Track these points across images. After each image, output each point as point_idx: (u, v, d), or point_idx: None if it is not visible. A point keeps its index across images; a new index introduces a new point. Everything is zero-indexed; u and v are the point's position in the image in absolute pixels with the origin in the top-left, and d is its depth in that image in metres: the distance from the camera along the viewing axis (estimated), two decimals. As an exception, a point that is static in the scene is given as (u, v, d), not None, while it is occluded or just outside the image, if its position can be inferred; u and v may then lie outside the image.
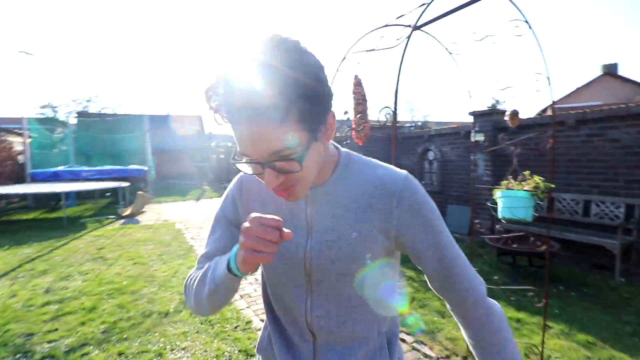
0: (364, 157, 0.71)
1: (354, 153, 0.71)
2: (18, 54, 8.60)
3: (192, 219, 7.82)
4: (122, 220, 7.61)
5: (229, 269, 0.58)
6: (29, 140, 9.98)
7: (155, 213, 8.60)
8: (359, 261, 0.65)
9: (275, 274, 0.71)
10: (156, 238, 5.93)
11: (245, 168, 0.57)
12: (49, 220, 7.82)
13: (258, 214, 0.53)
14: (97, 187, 8.23)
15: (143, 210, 8.83)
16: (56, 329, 2.82)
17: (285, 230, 0.53)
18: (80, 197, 9.89)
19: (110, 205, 9.69)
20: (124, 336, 2.71)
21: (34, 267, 4.40)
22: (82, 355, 2.47)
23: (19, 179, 10.77)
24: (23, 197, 9.22)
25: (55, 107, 17.65)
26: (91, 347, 2.56)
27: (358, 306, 0.69)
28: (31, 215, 8.38)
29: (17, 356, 2.45)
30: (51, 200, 9.42)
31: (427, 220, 0.65)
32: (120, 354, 2.48)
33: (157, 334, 2.75)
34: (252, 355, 2.46)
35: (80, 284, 3.84)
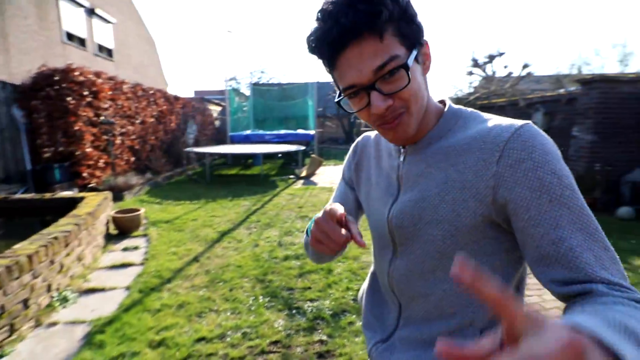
0: (479, 112, 0.62)
1: (468, 109, 0.63)
2: (226, 33, 10.01)
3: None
4: (302, 181, 8.15)
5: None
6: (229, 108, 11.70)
7: (326, 175, 8.98)
8: (445, 228, 0.57)
9: (372, 231, 0.73)
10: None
11: (349, 106, 0.58)
12: (248, 176, 9.06)
13: (334, 207, 0.55)
14: (281, 150, 9.03)
15: (316, 172, 9.35)
16: (310, 287, 2.90)
17: (354, 232, 0.54)
18: (264, 157, 11.22)
19: (285, 166, 10.67)
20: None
21: (259, 219, 4.94)
22: (349, 323, 2.40)
23: (218, 140, 12.96)
24: (224, 155, 10.98)
25: (238, 79, 20.87)
26: (353, 316, 2.49)
27: (444, 282, 0.59)
28: (233, 171, 9.93)
29: (293, 311, 2.56)
30: (244, 159, 10.96)
31: (543, 184, 0.50)
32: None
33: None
34: None
35: (302, 241, 4.03)
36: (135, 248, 3.82)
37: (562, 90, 7.63)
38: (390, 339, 0.69)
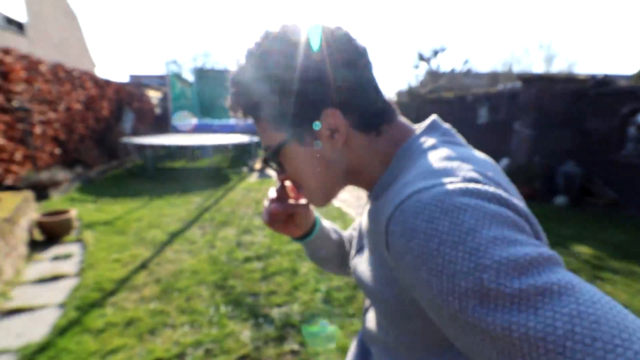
0: (424, 155, 0.45)
1: (433, 143, 0.47)
2: (165, 9, 9.02)
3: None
4: (257, 174, 7.83)
5: None
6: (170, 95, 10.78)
7: (282, 168, 8.74)
8: (384, 304, 0.47)
9: None
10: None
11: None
12: (196, 169, 8.46)
13: (271, 190, 0.62)
14: (232, 142, 8.56)
15: (270, 164, 9.05)
16: (275, 292, 2.72)
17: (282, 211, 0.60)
18: (214, 149, 10.58)
19: (237, 158, 10.19)
20: (350, 311, 2.46)
21: (213, 217, 4.59)
22: (320, 327, 2.28)
23: (160, 129, 11.96)
24: (167, 147, 10.15)
25: (179, 63, 19.34)
26: (324, 320, 2.37)
27: (399, 347, 0.50)
28: (179, 164, 9.22)
29: (259, 320, 2.37)
30: (190, 150, 10.24)
31: (432, 291, 0.33)
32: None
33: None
34: None
35: (263, 239, 3.82)
36: (68, 256, 3.29)
37: (500, 86, 8.20)
38: None
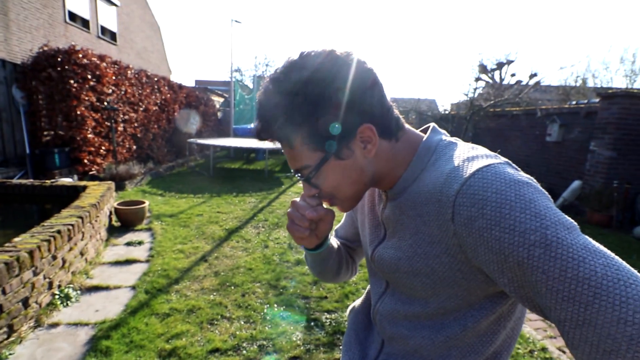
0: (454, 145, 0.54)
1: (449, 141, 0.56)
2: (231, 22, 9.74)
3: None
4: (307, 180, 7.98)
5: None
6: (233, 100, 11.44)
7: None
8: (422, 280, 0.54)
9: (366, 262, 0.73)
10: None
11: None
12: (251, 171, 8.87)
13: (299, 199, 0.62)
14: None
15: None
16: (326, 297, 2.75)
17: (318, 216, 0.60)
18: (269, 152, 11.01)
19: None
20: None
21: (266, 218, 4.77)
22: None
23: (220, 132, 12.72)
24: (226, 148, 10.76)
25: (242, 71, 20.57)
26: (375, 331, 2.34)
27: (425, 328, 0.57)
28: (236, 165, 9.72)
29: (311, 323, 2.41)
30: (246, 152, 10.76)
31: (502, 246, 0.41)
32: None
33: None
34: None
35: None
36: (140, 243, 3.63)
37: (574, 102, 7.54)
38: None
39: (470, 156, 0.49)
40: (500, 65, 14.28)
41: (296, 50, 0.54)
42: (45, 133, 5.55)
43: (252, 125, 11.61)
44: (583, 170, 5.68)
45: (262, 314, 2.49)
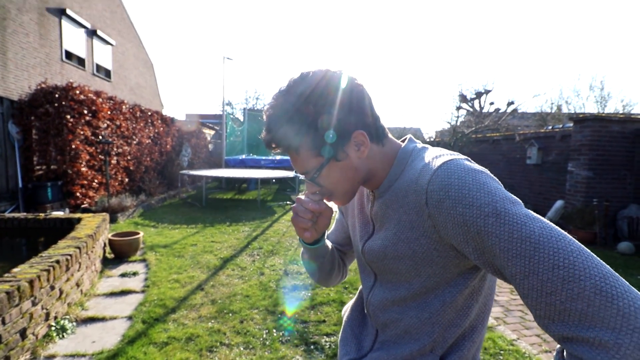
0: (424, 149, 0.68)
1: (422, 146, 0.69)
2: (222, 59, 10.18)
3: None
4: (300, 208, 8.06)
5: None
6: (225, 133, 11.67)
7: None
8: (407, 262, 0.65)
9: (356, 259, 0.84)
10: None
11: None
12: (244, 201, 8.91)
13: (303, 196, 0.72)
14: (277, 175, 8.98)
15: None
16: (324, 321, 2.78)
17: (319, 208, 0.71)
18: (261, 182, 11.11)
19: (280, 192, 10.59)
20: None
21: (260, 246, 4.80)
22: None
23: (211, 163, 12.84)
24: (218, 179, 10.84)
25: (233, 105, 21.08)
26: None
27: (413, 309, 0.67)
28: (228, 196, 9.76)
29: (310, 347, 2.43)
30: (238, 183, 10.84)
31: (465, 219, 0.53)
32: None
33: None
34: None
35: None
36: (134, 274, 3.62)
37: (550, 127, 7.98)
38: (362, 359, 0.77)
39: (438, 155, 0.61)
40: (479, 95, 15.03)
41: (296, 71, 0.65)
42: (38, 167, 5.58)
43: (243, 157, 11.79)
44: (564, 190, 5.94)
45: (261, 339, 2.50)
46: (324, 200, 0.72)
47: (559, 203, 5.96)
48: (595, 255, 0.48)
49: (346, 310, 0.90)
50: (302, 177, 0.71)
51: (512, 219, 0.50)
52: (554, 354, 0.51)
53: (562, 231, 0.50)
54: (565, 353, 0.48)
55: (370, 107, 0.66)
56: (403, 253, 0.64)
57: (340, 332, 0.86)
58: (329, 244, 0.89)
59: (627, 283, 0.46)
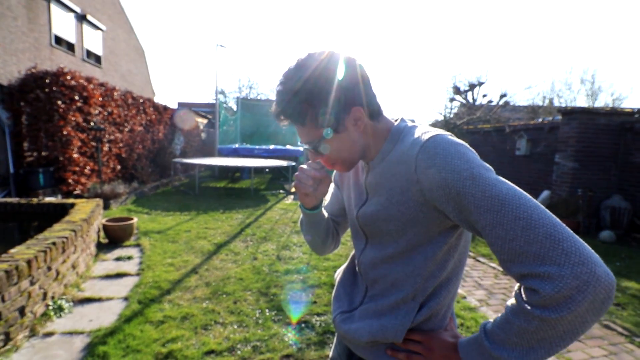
0: (415, 127, 0.75)
1: (410, 124, 0.77)
2: (215, 47, 10.07)
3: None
4: (292, 196, 8.14)
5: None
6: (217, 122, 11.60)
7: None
8: (396, 223, 0.72)
9: (350, 226, 0.92)
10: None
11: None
12: (237, 189, 8.95)
13: (306, 165, 0.82)
14: (271, 165, 9.01)
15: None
16: (315, 302, 2.88)
17: (321, 175, 0.81)
18: (254, 171, 11.12)
19: (274, 181, 10.63)
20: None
21: (254, 232, 4.88)
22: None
23: (204, 152, 12.80)
24: (211, 168, 10.84)
25: (226, 93, 20.88)
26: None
27: (400, 264, 0.75)
28: (221, 184, 9.78)
29: (302, 325, 2.53)
30: (231, 172, 10.85)
31: (447, 183, 0.62)
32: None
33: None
34: None
35: (301, 255, 4.01)
36: (129, 258, 3.67)
37: (540, 120, 8.12)
38: (353, 312, 0.85)
39: (426, 131, 0.70)
40: (472, 87, 15.13)
41: (304, 52, 0.73)
42: (29, 153, 5.54)
43: (236, 146, 11.77)
44: (550, 181, 6.10)
45: (254, 318, 2.59)
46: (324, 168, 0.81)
47: (545, 193, 6.12)
48: (548, 211, 0.57)
49: (339, 273, 0.98)
50: (306, 146, 0.77)
51: (484, 181, 0.60)
52: (513, 294, 0.61)
53: (523, 192, 0.59)
54: (522, 288, 0.58)
55: (368, 86, 0.73)
56: (393, 215, 0.72)
57: (334, 291, 0.95)
58: (325, 214, 0.97)
59: (571, 230, 0.55)
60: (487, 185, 0.59)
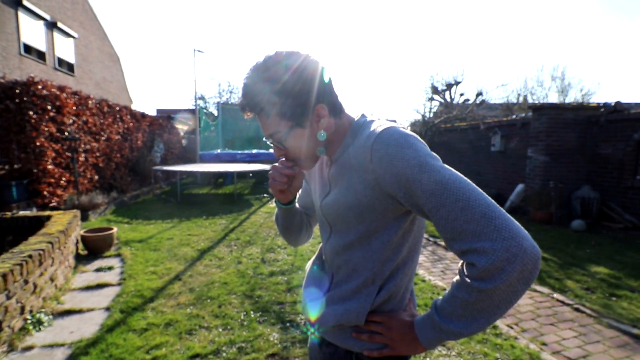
0: (371, 121, 0.80)
1: (369, 120, 0.82)
2: (193, 52, 10.00)
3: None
4: (277, 200, 8.14)
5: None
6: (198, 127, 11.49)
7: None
8: (355, 210, 0.78)
9: (317, 218, 0.97)
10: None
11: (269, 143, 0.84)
12: (220, 195, 8.87)
13: (277, 164, 0.85)
14: (254, 169, 8.99)
15: (289, 191, 9.35)
16: (299, 302, 2.92)
17: (293, 173, 0.84)
18: (237, 176, 11.05)
19: (257, 185, 10.60)
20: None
21: (238, 237, 4.87)
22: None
23: (185, 159, 12.63)
24: (193, 174, 10.71)
25: (206, 99, 20.62)
26: (346, 326, 2.53)
27: (359, 250, 0.81)
28: (204, 190, 9.68)
29: (287, 324, 2.56)
30: (214, 178, 10.75)
31: (398, 171, 0.68)
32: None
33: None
34: None
35: (286, 257, 4.05)
36: (110, 268, 3.61)
37: (514, 116, 8.43)
38: (321, 299, 0.89)
39: (381, 124, 0.76)
40: (449, 86, 15.52)
41: (271, 49, 0.77)
42: (1, 166, 5.35)
43: (218, 151, 11.68)
44: (524, 175, 6.35)
45: (239, 320, 2.61)
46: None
47: (520, 187, 6.36)
48: (484, 193, 0.64)
49: (308, 265, 1.04)
50: (269, 140, 0.81)
51: (430, 168, 0.66)
52: (457, 272, 0.67)
53: (464, 177, 0.66)
54: (464, 264, 0.65)
55: (330, 86, 0.78)
56: (352, 203, 0.77)
57: (303, 282, 1.00)
58: (298, 207, 1.02)
59: (502, 209, 0.62)
60: (432, 172, 0.65)
